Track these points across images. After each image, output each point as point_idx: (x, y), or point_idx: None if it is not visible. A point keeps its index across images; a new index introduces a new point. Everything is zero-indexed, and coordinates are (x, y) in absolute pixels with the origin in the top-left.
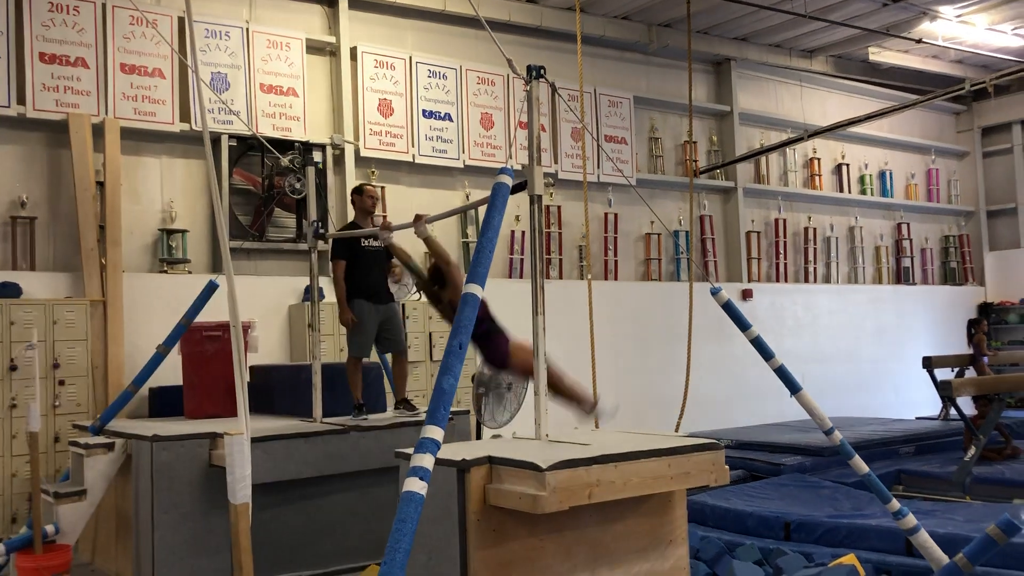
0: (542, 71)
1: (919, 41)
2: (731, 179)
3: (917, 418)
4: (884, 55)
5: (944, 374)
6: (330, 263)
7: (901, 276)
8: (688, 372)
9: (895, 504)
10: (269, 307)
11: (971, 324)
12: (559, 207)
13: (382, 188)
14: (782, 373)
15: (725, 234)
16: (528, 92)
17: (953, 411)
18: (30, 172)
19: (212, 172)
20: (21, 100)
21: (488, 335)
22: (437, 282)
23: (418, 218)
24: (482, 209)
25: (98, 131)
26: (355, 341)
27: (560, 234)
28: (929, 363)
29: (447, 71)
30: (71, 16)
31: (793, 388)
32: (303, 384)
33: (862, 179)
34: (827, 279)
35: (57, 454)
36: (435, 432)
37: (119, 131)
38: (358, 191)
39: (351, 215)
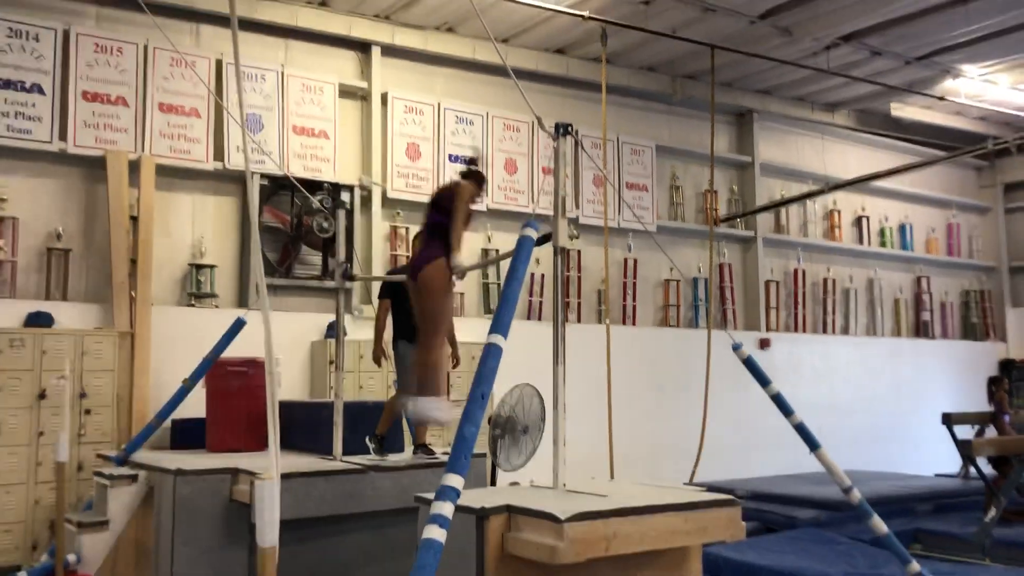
0: (569, 128)
1: (942, 99)
2: (751, 228)
3: (936, 475)
4: (906, 111)
5: (964, 431)
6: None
7: (920, 330)
8: (704, 420)
9: (915, 566)
10: (292, 343)
11: (992, 382)
12: (579, 251)
13: (407, 229)
14: (802, 430)
15: (744, 283)
16: (555, 148)
17: (973, 470)
18: (68, 205)
19: (254, 211)
20: (63, 136)
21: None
22: None
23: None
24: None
25: (134, 167)
26: (402, 380)
27: (579, 278)
28: (949, 420)
29: (474, 117)
30: (114, 56)
31: (813, 445)
32: (324, 421)
33: (882, 232)
34: (845, 330)
35: (80, 482)
36: (455, 480)
37: (154, 168)
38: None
39: (376, 255)
